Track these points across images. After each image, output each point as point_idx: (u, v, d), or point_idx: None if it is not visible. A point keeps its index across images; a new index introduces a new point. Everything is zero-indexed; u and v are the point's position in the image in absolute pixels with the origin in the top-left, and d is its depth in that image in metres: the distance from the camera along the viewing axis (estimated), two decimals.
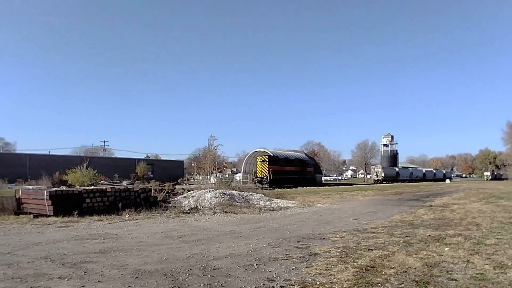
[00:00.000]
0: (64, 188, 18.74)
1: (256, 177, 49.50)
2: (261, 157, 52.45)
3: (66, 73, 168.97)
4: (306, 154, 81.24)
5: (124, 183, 39.43)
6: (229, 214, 16.63)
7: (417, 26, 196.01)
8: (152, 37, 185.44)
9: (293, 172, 55.40)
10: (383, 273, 6.50)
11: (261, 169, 50.63)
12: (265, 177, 48.01)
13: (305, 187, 45.49)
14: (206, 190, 21.88)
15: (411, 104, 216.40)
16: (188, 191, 23.02)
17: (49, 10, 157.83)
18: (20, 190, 17.48)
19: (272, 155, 54.64)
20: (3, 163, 52.89)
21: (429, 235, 10.57)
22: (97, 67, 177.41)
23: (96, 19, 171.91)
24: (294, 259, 7.62)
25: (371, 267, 6.91)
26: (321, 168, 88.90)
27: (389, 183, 76.06)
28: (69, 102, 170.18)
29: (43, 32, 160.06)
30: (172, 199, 19.97)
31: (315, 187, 47.46)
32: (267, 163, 49.80)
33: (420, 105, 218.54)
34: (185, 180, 61.31)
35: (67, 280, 6.22)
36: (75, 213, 14.56)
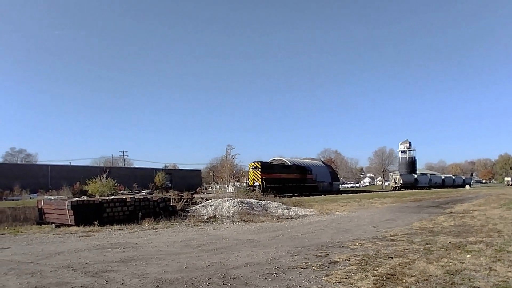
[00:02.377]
0: (85, 198, 19.06)
1: (248, 185, 44.05)
2: (253, 163, 47.87)
3: (85, 85, 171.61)
4: (323, 162, 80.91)
5: (143, 192, 39.73)
6: (247, 222, 16.66)
7: (434, 30, 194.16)
8: (168, 47, 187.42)
9: (291, 179, 50.91)
10: (404, 281, 6.45)
11: (253, 177, 46.44)
12: (257, 186, 42.53)
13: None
14: (224, 199, 21.95)
15: (429, 110, 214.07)
16: (207, 200, 23.12)
17: (63, 21, 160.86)
18: (42, 200, 17.83)
19: (265, 161, 50.43)
20: (25, 174, 53.99)
21: (449, 242, 10.45)
22: (114, 79, 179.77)
23: (110, 30, 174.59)
24: (313, 268, 7.61)
25: (392, 275, 6.86)
26: (338, 176, 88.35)
27: (407, 190, 75.05)
28: (88, 113, 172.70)
29: (62, 44, 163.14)
30: (191, 208, 20.08)
31: (332, 195, 47.08)
32: (259, 170, 45.72)
33: (438, 110, 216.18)
34: (203, 189, 61.56)
35: None
36: (96, 222, 14.77)
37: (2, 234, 13.63)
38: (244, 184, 45.94)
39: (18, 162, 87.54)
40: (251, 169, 47.31)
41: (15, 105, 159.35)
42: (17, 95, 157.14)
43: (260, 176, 44.98)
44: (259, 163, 47.09)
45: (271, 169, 48.62)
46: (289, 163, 57.32)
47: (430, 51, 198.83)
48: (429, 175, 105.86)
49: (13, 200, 34.85)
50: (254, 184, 43.91)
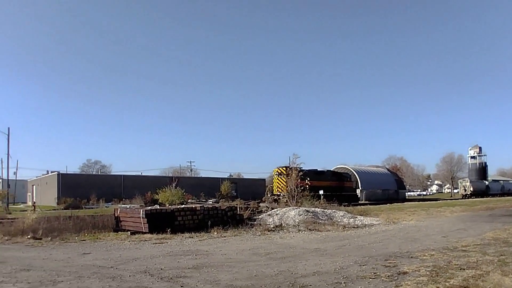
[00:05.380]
0: (157, 206, 19.96)
1: (272, 194, 38.02)
2: (277, 169, 40.38)
3: (152, 100, 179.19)
4: (388, 170, 78.93)
5: (210, 201, 40.56)
6: (313, 231, 16.70)
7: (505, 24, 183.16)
8: (233, 58, 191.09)
9: (324, 188, 41.58)
10: None
11: (277, 184, 39.21)
12: (282, 195, 35.34)
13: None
14: (290, 208, 22.09)
15: (500, 111, 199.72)
16: (272, 209, 23.38)
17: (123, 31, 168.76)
18: (119, 209, 18.87)
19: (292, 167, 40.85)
20: (101, 184, 57.12)
21: None
22: (179, 94, 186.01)
23: (176, 43, 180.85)
24: (382, 278, 7.57)
25: (465, 287, 6.72)
26: (404, 184, 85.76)
27: (478, 197, 71.28)
28: (157, 125, 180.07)
29: (129, 60, 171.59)
30: (257, 217, 20.40)
31: (399, 203, 45.60)
32: (284, 176, 36.70)
33: (511, 111, 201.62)
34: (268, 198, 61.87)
35: None
36: (168, 230, 15.37)
37: (83, 240, 14.59)
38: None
39: (94, 172, 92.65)
40: (275, 176, 40.65)
41: (90, 119, 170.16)
42: (92, 110, 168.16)
43: (285, 184, 36.04)
44: (284, 168, 38.74)
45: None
46: (323, 170, 49.39)
47: (500, 50, 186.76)
48: (502, 181, 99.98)
49: (91, 208, 36.94)
50: (279, 193, 37.36)
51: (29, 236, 15.03)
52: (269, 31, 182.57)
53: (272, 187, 40.43)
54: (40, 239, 14.69)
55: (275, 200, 33.92)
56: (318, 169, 46.48)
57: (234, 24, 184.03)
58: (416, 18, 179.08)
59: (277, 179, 39.73)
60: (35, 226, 16.35)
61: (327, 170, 51.06)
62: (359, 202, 49.64)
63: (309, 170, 42.51)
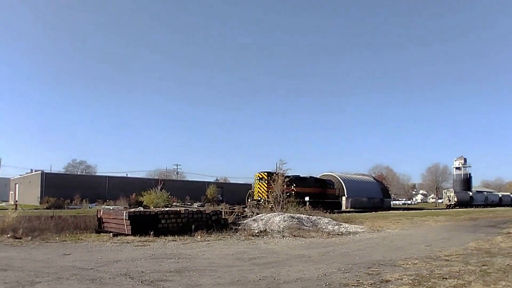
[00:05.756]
0: (141, 209, 19.77)
1: (253, 199, 37.05)
2: (258, 174, 39.40)
3: (138, 101, 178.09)
4: (374, 178, 79.31)
5: (195, 205, 40.41)
6: (297, 238, 16.67)
7: (492, 38, 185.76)
8: (222, 63, 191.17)
9: (307, 194, 40.21)
10: None
11: (258, 189, 38.34)
12: (262, 200, 34.65)
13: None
14: (275, 213, 22.06)
15: (486, 125, 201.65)
16: (257, 214, 23.33)
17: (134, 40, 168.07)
18: (102, 210, 18.66)
19: (273, 171, 38.15)
20: (86, 185, 56.61)
21: (508, 264, 10.05)
22: (168, 93, 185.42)
23: (170, 46, 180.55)
24: (365, 285, 7.57)
25: None
26: (389, 192, 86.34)
27: (462, 208, 72.22)
28: (144, 127, 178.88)
29: (124, 59, 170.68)
30: (242, 221, 20.34)
31: (383, 212, 45.77)
32: (265, 182, 36.19)
33: (496, 125, 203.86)
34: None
35: None
36: (151, 233, 15.24)
37: (64, 241, 14.39)
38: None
39: (79, 173, 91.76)
40: (256, 181, 39.78)
41: (77, 119, 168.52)
42: (79, 110, 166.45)
43: (266, 189, 36.16)
44: (266, 173, 37.70)
45: None
46: (305, 176, 47.82)
47: (486, 61, 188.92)
48: (486, 193, 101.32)
49: (74, 209, 36.53)
50: (260, 198, 36.79)
51: (8, 235, 14.80)
52: (263, 33, 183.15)
53: (253, 192, 39.93)
54: (20, 238, 14.49)
55: (256, 205, 32.44)
56: (301, 175, 45.11)
57: (226, 22, 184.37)
58: (406, 25, 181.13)
59: (258, 184, 39.10)
60: (16, 225, 16.10)
61: (310, 177, 49.61)
62: (345, 209, 49.78)
63: (292, 176, 42.45)
